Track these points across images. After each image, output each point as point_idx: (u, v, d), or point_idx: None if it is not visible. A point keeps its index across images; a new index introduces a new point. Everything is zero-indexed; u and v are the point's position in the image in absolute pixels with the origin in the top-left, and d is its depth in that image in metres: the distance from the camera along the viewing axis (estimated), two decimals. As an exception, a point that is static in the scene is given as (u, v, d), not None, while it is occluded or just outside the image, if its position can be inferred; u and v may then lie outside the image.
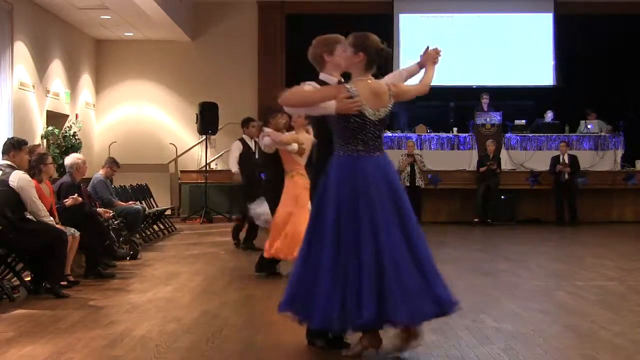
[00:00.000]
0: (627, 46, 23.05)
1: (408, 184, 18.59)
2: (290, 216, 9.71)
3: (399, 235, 5.76)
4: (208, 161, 21.21)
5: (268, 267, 10.37)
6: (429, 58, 6.69)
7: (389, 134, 21.00)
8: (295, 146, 9.68)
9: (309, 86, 6.20)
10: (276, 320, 7.45)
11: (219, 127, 21.05)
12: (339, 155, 5.93)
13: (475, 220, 19.43)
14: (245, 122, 14.07)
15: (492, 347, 6.45)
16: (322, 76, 6.45)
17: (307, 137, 9.63)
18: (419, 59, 6.84)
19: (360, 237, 5.68)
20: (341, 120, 5.89)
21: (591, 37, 22.70)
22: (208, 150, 21.20)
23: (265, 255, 10.10)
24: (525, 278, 10.56)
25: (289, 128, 10.28)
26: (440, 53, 6.76)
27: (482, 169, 19.50)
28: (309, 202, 9.21)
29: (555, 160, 19.58)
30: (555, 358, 6.27)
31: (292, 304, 5.87)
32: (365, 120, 5.91)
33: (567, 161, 19.47)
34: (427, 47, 6.76)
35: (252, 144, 13.59)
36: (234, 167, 13.52)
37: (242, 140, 13.73)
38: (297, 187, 9.73)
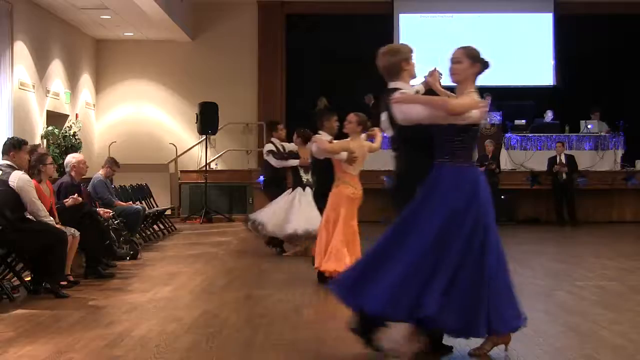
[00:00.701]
0: (627, 46, 23.07)
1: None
2: (327, 227, 9.41)
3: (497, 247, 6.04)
4: (208, 161, 21.20)
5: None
6: (436, 80, 6.57)
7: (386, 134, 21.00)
8: (344, 155, 9.29)
9: (405, 92, 6.33)
10: (276, 320, 7.47)
11: (219, 127, 21.04)
12: (446, 165, 5.92)
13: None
14: (272, 125, 14.10)
15: (495, 347, 6.45)
16: (398, 84, 6.47)
17: (360, 145, 9.37)
18: (423, 79, 6.72)
19: (467, 245, 5.78)
20: (462, 130, 5.88)
21: (591, 37, 22.70)
22: (208, 150, 21.20)
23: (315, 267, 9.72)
24: (526, 277, 10.54)
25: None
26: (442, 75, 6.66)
27: (481, 169, 19.46)
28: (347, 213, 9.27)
29: (552, 160, 19.58)
30: (555, 358, 6.28)
31: (350, 288, 5.85)
32: (478, 130, 6.02)
33: (564, 161, 19.46)
34: (434, 69, 6.68)
35: (281, 148, 13.52)
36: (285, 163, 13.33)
37: (272, 143, 13.67)
38: (340, 197, 9.35)
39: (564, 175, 19.33)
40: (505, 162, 20.41)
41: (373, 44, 24.89)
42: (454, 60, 6.30)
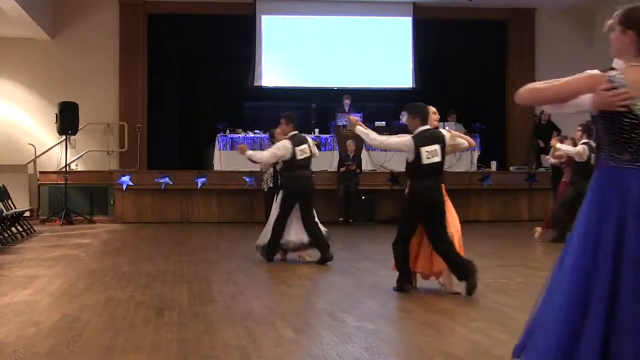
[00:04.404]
0: (483, 50, 23.76)
1: (271, 185, 18.63)
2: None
3: None
4: (68, 162, 20.85)
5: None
6: None
7: (250, 134, 21.09)
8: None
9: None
10: (138, 322, 7.44)
11: (80, 128, 20.71)
12: (600, 164, 4.65)
13: (340, 219, 19.67)
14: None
15: (354, 345, 6.58)
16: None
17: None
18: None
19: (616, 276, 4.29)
20: (604, 119, 4.55)
21: (449, 40, 23.28)
22: (68, 150, 20.85)
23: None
24: (386, 277, 10.75)
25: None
26: None
27: (341, 169, 19.77)
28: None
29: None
30: (415, 356, 6.44)
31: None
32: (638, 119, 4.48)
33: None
34: None
35: None
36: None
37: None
38: None
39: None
40: (366, 163, 20.75)
41: (236, 44, 25.07)
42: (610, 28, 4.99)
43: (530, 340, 4.68)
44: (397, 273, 9.42)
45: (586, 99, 4.59)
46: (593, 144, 14.48)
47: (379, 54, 23.37)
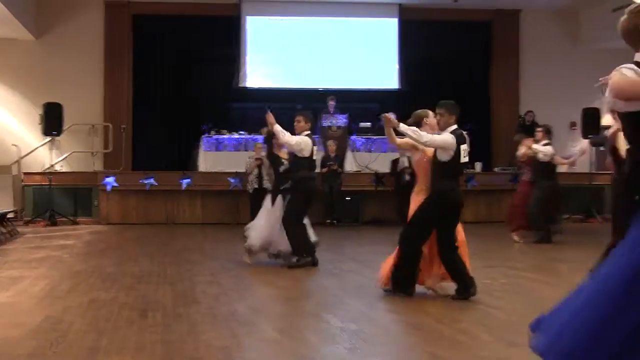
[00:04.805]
0: (470, 51, 23.81)
1: (256, 186, 18.63)
2: None
3: None
4: (53, 163, 20.79)
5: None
6: None
7: (235, 135, 21.09)
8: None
9: (629, 71, 4.71)
10: (121, 324, 7.43)
11: (64, 129, 20.66)
12: None
13: (328, 221, 19.65)
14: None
15: (338, 346, 6.59)
16: (637, 56, 4.84)
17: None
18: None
19: None
20: None
21: (435, 42, 23.31)
22: (53, 151, 20.79)
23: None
24: (370, 278, 10.76)
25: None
26: None
27: (323, 170, 19.77)
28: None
29: (395, 162, 20.05)
30: (400, 357, 6.46)
31: None
32: None
33: (406, 164, 19.91)
34: None
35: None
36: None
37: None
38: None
39: (407, 177, 19.76)
40: (351, 164, 20.77)
41: (221, 45, 25.06)
42: None
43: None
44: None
45: None
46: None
47: (365, 55, 23.38)
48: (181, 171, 20.62)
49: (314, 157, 12.07)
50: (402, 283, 9.02)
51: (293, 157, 12.06)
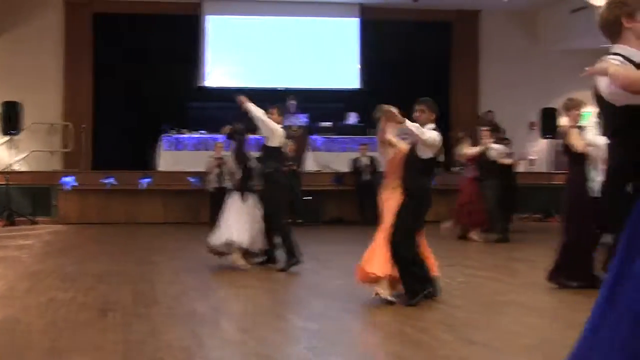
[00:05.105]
0: (431, 51, 23.86)
1: (217, 185, 18.58)
2: None
3: None
4: (11, 162, 20.60)
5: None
6: None
7: (195, 135, 21.03)
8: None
9: (616, 62, 4.54)
10: (81, 323, 7.39)
11: (23, 128, 20.50)
12: None
13: (291, 220, 19.58)
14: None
15: (299, 346, 6.61)
16: (618, 48, 4.70)
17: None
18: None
19: None
20: None
21: (396, 41, 23.33)
22: (12, 151, 20.61)
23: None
24: (329, 278, 10.81)
25: None
26: None
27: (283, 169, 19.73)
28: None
29: (356, 161, 20.13)
30: (359, 355, 6.49)
31: None
32: None
33: (367, 162, 20.03)
34: None
35: None
36: None
37: None
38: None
39: (367, 176, 19.84)
40: (311, 163, 20.79)
41: (182, 44, 24.93)
42: None
43: None
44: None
45: None
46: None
47: (326, 55, 23.40)
48: (141, 171, 20.53)
49: (284, 150, 12.03)
50: (420, 287, 8.62)
51: (263, 148, 11.96)
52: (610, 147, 4.82)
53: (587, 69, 4.53)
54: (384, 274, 8.60)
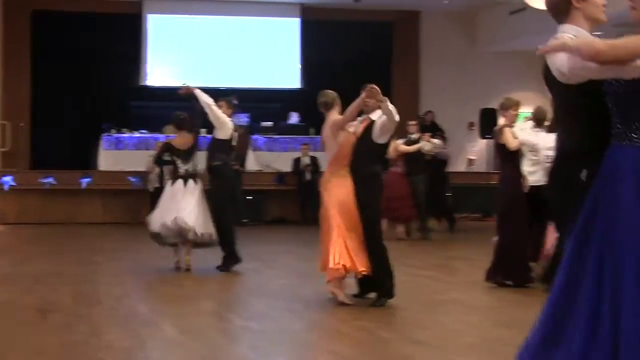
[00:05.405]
0: (370, 51, 23.96)
1: (157, 185, 18.47)
2: None
3: None
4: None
5: None
6: None
7: (136, 134, 20.91)
8: None
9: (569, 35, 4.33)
10: (20, 326, 7.32)
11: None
12: (619, 145, 4.13)
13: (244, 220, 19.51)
14: None
15: (240, 346, 6.63)
16: (567, 28, 4.43)
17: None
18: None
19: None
20: None
21: (337, 41, 23.40)
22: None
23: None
24: (272, 277, 10.84)
25: None
26: None
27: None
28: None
29: (297, 161, 20.17)
30: (301, 354, 6.52)
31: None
32: None
33: (308, 162, 20.07)
34: None
35: None
36: None
37: None
38: None
39: (309, 176, 19.88)
40: (252, 163, 20.77)
41: (122, 43, 24.73)
42: None
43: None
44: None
45: None
46: None
47: (267, 55, 23.38)
48: (81, 170, 20.35)
49: (233, 144, 11.94)
50: (391, 284, 8.54)
51: (212, 140, 11.76)
52: (561, 131, 4.64)
53: (539, 46, 4.29)
54: (360, 269, 8.35)
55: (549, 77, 4.42)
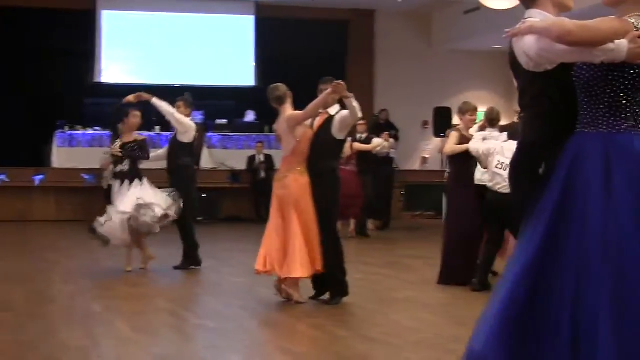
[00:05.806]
0: (325, 50, 23.99)
1: (111, 183, 18.35)
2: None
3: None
4: None
5: None
6: None
7: (89, 131, 20.78)
8: None
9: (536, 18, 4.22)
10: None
11: None
12: (584, 132, 4.10)
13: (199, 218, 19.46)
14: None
15: (195, 344, 6.63)
16: (534, 13, 4.32)
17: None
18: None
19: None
20: (613, 73, 3.99)
21: (291, 40, 23.42)
22: None
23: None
24: (227, 275, 10.84)
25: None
26: None
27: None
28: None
29: (251, 159, 20.18)
30: (256, 353, 6.54)
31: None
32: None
33: (263, 160, 20.08)
34: None
35: None
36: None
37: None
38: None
39: (263, 174, 19.87)
40: (207, 160, 20.72)
41: (76, 39, 24.51)
42: None
43: None
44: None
45: (623, 44, 3.85)
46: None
47: (221, 52, 23.34)
48: (34, 167, 20.18)
49: (194, 144, 11.89)
50: (345, 282, 8.57)
51: (175, 142, 11.76)
52: (525, 120, 4.50)
53: (507, 30, 4.16)
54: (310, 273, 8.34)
55: (514, 63, 4.33)
